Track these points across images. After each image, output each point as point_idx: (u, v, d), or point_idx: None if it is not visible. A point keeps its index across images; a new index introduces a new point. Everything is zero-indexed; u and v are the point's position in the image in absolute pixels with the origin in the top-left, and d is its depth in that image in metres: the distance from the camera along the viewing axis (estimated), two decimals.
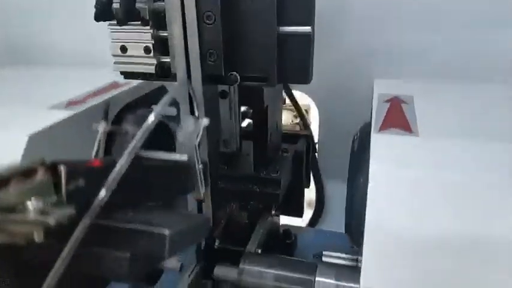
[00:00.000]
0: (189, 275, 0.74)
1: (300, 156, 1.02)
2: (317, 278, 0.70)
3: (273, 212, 0.98)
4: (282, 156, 1.00)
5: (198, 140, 0.64)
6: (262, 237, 0.88)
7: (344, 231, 1.00)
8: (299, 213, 1.11)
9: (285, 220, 1.17)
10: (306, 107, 1.70)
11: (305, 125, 1.20)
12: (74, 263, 0.41)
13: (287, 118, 1.94)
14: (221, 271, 0.78)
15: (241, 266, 0.75)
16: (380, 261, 0.55)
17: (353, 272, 0.72)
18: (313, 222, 1.28)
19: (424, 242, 0.54)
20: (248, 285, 0.74)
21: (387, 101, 0.87)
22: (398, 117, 0.77)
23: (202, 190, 0.67)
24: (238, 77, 0.70)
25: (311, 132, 1.12)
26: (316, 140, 1.24)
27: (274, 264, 0.74)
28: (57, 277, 0.38)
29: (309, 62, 0.77)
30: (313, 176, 1.23)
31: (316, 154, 1.26)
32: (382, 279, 0.54)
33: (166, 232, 0.40)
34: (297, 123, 1.73)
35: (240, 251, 0.82)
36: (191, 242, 0.45)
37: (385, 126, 0.73)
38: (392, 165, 0.61)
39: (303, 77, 0.74)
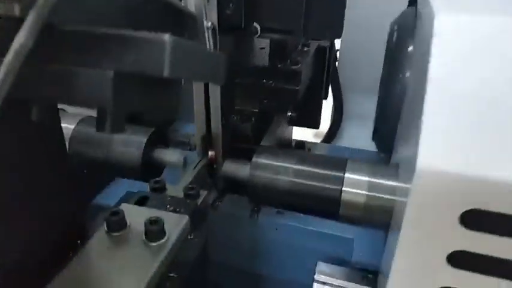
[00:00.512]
0: (194, 167, 0.63)
1: (323, 53, 0.88)
2: (347, 174, 0.59)
3: (289, 114, 0.85)
4: (302, 50, 0.85)
5: None
6: (276, 137, 0.76)
7: (371, 140, 0.88)
8: (315, 124, 0.99)
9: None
10: None
11: None
12: (27, 85, 0.29)
13: None
14: (230, 167, 0.67)
15: (254, 159, 0.63)
16: (444, 132, 0.42)
17: (389, 168, 0.61)
18: (329, 137, 1.16)
19: (499, 108, 0.41)
20: (262, 183, 0.63)
21: None
22: None
23: None
24: (259, 28, 0.64)
25: None
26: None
27: (294, 158, 0.63)
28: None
29: (342, 15, 0.66)
30: (332, 86, 1.10)
31: (336, 63, 1.11)
32: (445, 158, 0.42)
33: (167, 38, 0.26)
34: None
35: (252, 149, 0.70)
36: (200, 74, 0.32)
37: None
38: (459, 17, 0.46)
39: (334, 32, 0.67)
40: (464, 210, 0.42)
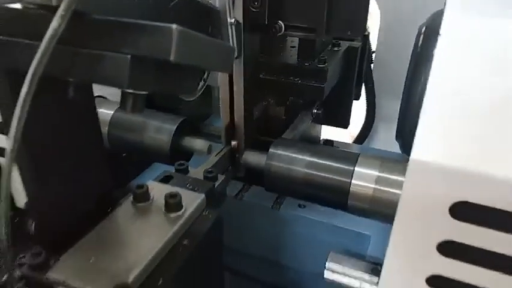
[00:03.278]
0: (216, 155, 0.69)
1: (354, 53, 0.90)
2: (357, 168, 0.62)
3: (315, 111, 0.88)
4: (332, 50, 0.89)
5: None
6: (299, 131, 0.80)
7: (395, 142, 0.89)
8: (344, 123, 1.01)
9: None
10: None
11: None
12: (61, 65, 0.35)
13: None
14: (249, 156, 0.72)
15: (271, 150, 0.68)
16: (438, 126, 0.45)
17: (400, 164, 0.63)
18: (360, 138, 1.18)
19: (495, 107, 0.43)
20: (277, 172, 0.67)
21: None
22: None
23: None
24: (283, 26, 0.67)
25: (368, 32, 0.98)
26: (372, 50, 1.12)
27: (309, 151, 0.67)
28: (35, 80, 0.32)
29: (364, 14, 0.67)
30: (365, 87, 1.11)
31: (372, 65, 1.13)
32: (439, 151, 0.44)
33: (174, 27, 0.32)
34: None
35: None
36: (206, 62, 0.37)
37: None
38: (467, 17, 0.48)
39: (356, 29, 0.68)
40: (453, 202, 0.44)
